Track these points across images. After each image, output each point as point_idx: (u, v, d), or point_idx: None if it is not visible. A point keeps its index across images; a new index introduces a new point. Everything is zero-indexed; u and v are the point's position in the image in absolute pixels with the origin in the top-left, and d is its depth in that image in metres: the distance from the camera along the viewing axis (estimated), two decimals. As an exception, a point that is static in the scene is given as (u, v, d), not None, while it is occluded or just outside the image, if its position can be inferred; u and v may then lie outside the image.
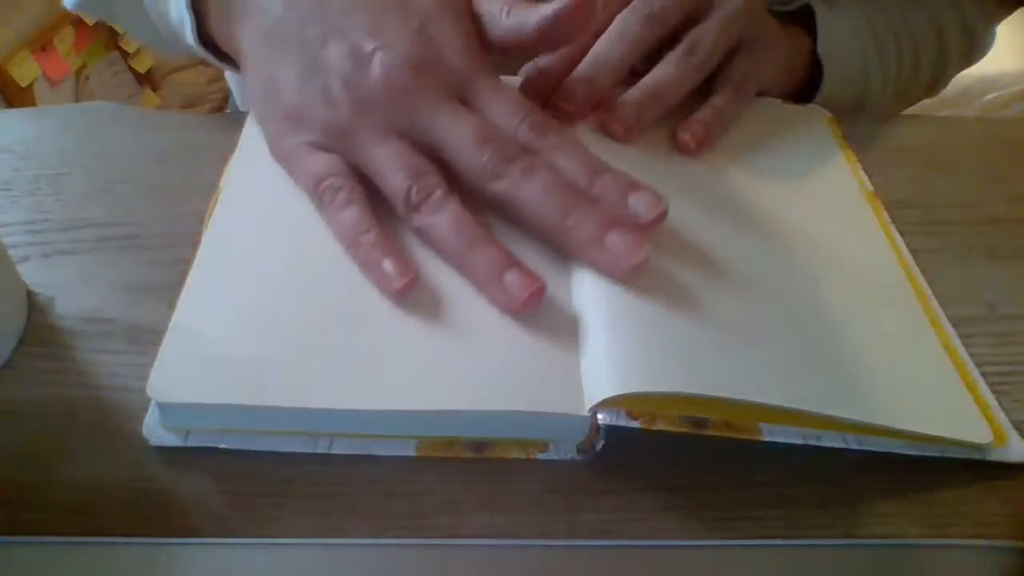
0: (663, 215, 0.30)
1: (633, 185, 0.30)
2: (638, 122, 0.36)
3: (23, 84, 1.31)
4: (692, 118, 0.38)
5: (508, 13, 0.33)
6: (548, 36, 0.32)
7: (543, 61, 0.39)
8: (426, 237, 0.30)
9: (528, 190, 0.30)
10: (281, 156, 0.33)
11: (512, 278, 0.28)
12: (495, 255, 0.29)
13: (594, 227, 0.29)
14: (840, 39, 0.44)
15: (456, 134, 0.31)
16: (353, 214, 0.30)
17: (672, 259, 0.31)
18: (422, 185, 0.30)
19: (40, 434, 0.27)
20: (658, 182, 0.32)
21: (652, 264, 0.30)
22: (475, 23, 0.34)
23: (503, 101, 0.32)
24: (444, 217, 0.30)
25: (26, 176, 0.38)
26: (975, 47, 0.50)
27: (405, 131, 0.31)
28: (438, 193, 0.30)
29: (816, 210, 0.36)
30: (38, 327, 0.31)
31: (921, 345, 0.31)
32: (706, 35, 0.38)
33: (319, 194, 0.31)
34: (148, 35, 0.44)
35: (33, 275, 0.32)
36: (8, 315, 0.30)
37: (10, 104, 1.29)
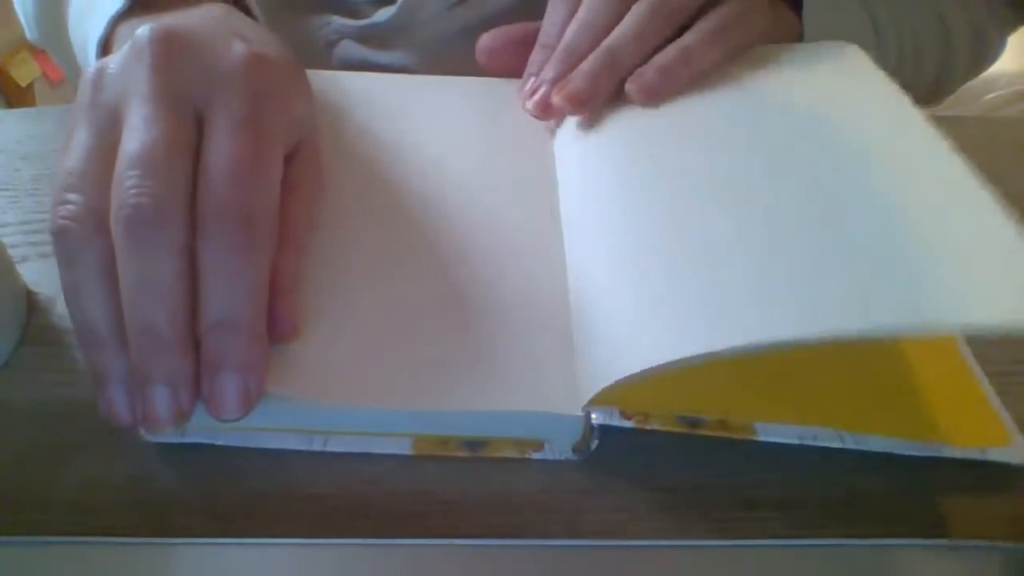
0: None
1: (237, 367, 0.23)
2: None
3: (23, 84, 1.31)
4: (649, 62, 0.33)
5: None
6: None
7: (544, 59, 0.38)
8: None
9: (134, 261, 0.21)
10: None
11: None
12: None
13: (161, 371, 0.22)
14: (832, 28, 0.40)
15: (131, 135, 0.23)
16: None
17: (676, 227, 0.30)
18: (62, 199, 0.23)
19: (40, 434, 0.27)
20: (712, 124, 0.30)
21: (656, 241, 0.29)
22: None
23: (232, 150, 0.23)
24: (57, 250, 0.22)
25: (26, 176, 0.38)
26: (985, 53, 0.48)
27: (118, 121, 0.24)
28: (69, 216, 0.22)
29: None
30: (38, 327, 0.31)
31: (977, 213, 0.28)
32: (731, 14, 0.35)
33: None
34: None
35: (33, 275, 0.32)
36: (8, 315, 0.30)
37: (10, 104, 1.29)
